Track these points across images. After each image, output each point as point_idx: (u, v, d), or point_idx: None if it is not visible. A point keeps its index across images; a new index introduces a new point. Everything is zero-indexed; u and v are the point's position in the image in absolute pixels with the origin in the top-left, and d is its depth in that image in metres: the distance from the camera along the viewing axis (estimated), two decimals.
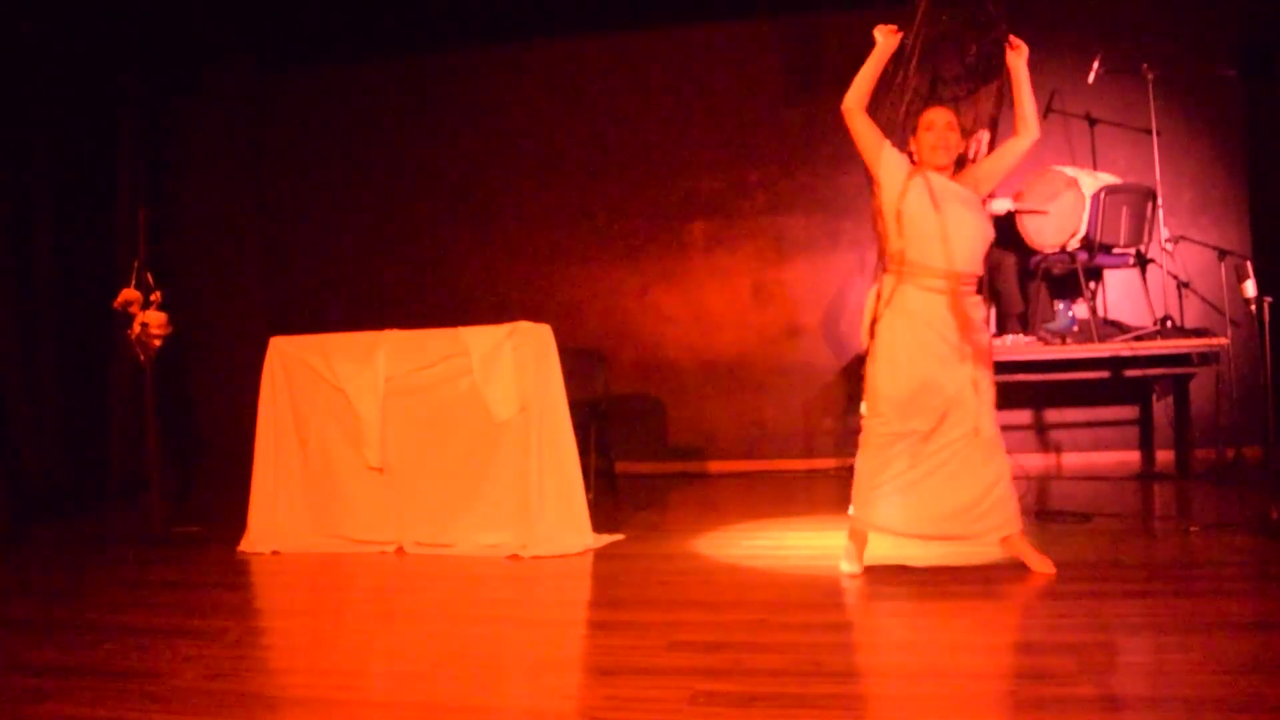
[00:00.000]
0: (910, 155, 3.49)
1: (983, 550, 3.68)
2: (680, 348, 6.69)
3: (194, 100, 6.97)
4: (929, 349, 3.36)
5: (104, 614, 3.38)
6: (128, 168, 6.38)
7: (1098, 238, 5.29)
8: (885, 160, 3.44)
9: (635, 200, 6.74)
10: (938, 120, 3.42)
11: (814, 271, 6.55)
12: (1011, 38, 3.40)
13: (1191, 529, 3.98)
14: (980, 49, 3.53)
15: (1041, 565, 3.38)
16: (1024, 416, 6.22)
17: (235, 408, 5.40)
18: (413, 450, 4.33)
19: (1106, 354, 5.24)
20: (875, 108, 3.44)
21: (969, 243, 3.38)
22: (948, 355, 3.36)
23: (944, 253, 3.34)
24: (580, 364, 5.25)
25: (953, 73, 3.52)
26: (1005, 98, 3.47)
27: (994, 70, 3.49)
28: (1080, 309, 5.50)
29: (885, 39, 3.46)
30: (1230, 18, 6.00)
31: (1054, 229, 5.42)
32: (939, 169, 3.42)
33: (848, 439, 6.45)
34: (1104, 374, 5.45)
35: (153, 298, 4.74)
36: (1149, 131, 5.49)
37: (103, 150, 6.26)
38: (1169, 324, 5.34)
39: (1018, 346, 5.30)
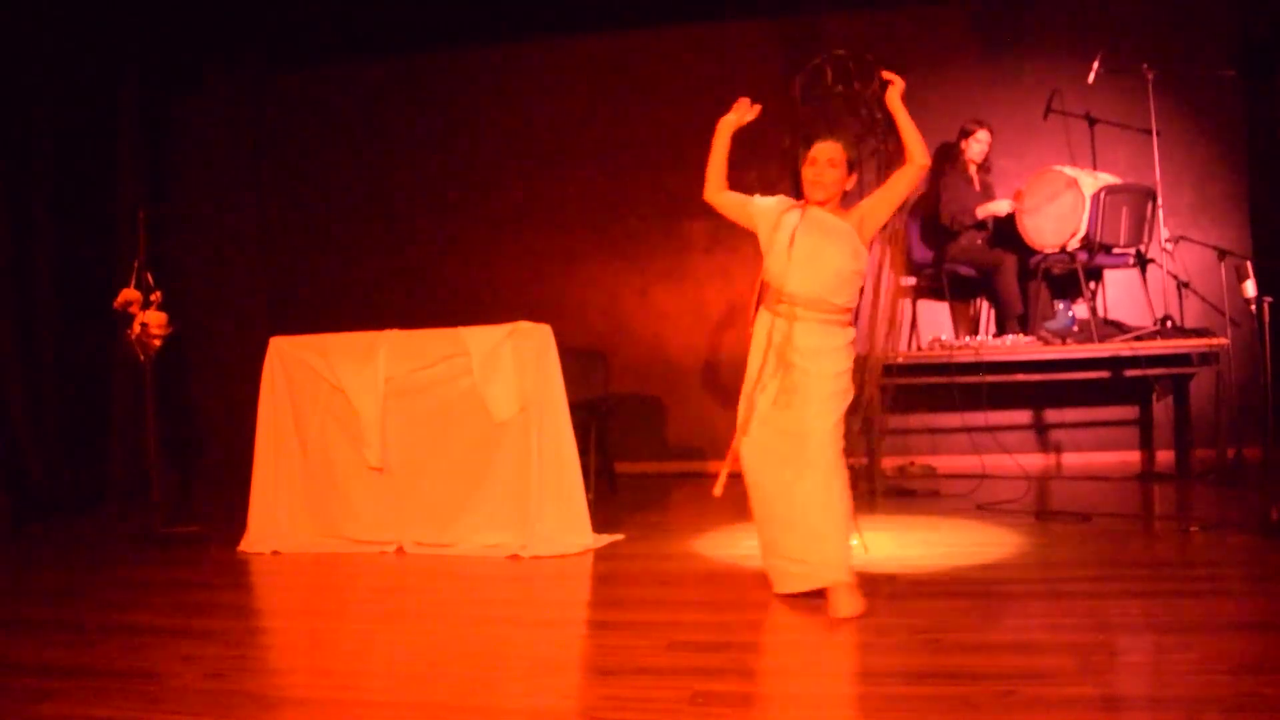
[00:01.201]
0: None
1: (984, 550, 3.68)
2: (680, 348, 6.69)
3: (194, 100, 6.97)
4: (756, 372, 3.43)
5: (104, 614, 3.37)
6: (128, 168, 6.38)
7: (1098, 238, 5.29)
8: (755, 214, 3.50)
9: (635, 200, 6.74)
10: (819, 156, 3.37)
11: None
12: (884, 73, 3.39)
13: (1191, 529, 3.98)
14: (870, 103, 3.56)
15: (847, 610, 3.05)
16: (1024, 416, 6.23)
17: (235, 408, 5.40)
18: (413, 450, 4.33)
19: (1106, 354, 5.24)
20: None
21: (818, 271, 3.29)
22: (769, 381, 3.38)
23: (785, 277, 3.32)
24: (580, 364, 5.25)
25: (855, 131, 3.53)
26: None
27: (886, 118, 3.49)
28: (1080, 309, 5.51)
29: (737, 114, 3.61)
30: (1230, 18, 6.00)
31: (1054, 229, 5.42)
32: (819, 204, 3.37)
33: (847, 439, 6.45)
34: (1104, 374, 5.45)
35: (153, 298, 4.74)
36: (1149, 131, 5.49)
37: (103, 150, 6.26)
38: (1169, 324, 5.34)
39: (1018, 346, 5.30)
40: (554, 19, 6.60)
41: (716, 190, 3.60)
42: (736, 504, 5.33)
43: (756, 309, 3.49)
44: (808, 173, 3.40)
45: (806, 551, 3.14)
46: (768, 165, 6.55)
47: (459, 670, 2.71)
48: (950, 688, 2.33)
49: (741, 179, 6.69)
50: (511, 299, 6.53)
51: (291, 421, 4.50)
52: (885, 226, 3.57)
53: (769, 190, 6.61)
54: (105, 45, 6.18)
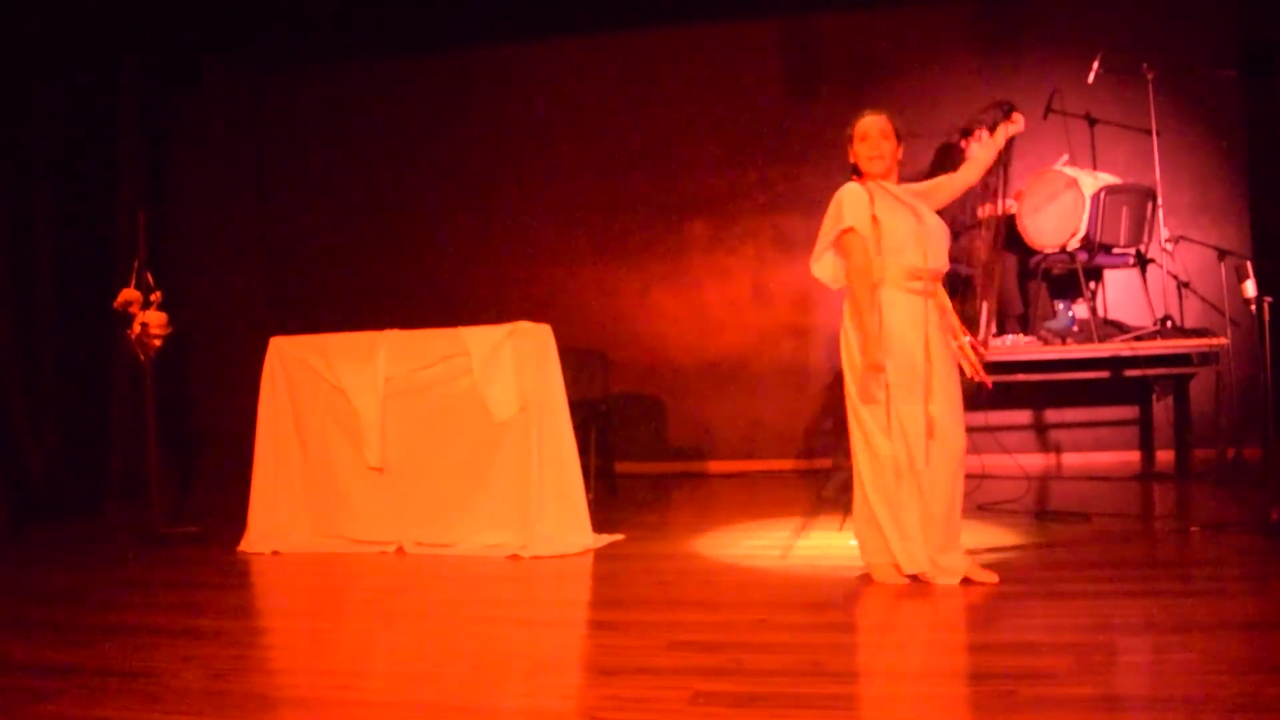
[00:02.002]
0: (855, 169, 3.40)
1: (984, 550, 3.68)
2: (680, 348, 6.69)
3: (194, 100, 6.97)
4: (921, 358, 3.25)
5: (104, 614, 3.37)
6: (128, 168, 6.38)
7: (1098, 238, 5.28)
8: (853, 221, 3.27)
9: (635, 200, 6.74)
10: (870, 130, 3.35)
11: None
12: (1015, 114, 3.46)
13: (1191, 529, 3.97)
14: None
15: (986, 576, 3.25)
16: (1024, 416, 6.22)
17: (235, 408, 5.40)
18: (413, 450, 4.33)
19: (1106, 354, 5.23)
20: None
21: (940, 240, 3.36)
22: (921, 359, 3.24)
23: (925, 251, 3.28)
24: (580, 364, 5.26)
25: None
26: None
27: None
28: (1080, 309, 5.50)
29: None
30: (1230, 18, 5.99)
31: (1054, 229, 5.41)
32: (879, 177, 3.34)
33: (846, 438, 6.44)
34: (1104, 374, 5.45)
35: (153, 298, 4.74)
36: (1149, 131, 5.48)
37: (103, 150, 6.26)
38: (1169, 324, 5.33)
39: (1018, 346, 5.30)
40: (554, 19, 6.60)
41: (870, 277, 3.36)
42: (737, 504, 5.35)
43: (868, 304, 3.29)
44: (862, 149, 3.35)
45: (952, 541, 3.26)
46: (769, 166, 6.56)
47: (459, 670, 2.71)
48: (950, 688, 2.33)
49: (743, 178, 6.76)
50: (511, 299, 6.53)
51: (291, 421, 4.50)
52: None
53: (770, 190, 6.65)
54: (105, 46, 6.18)
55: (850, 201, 3.29)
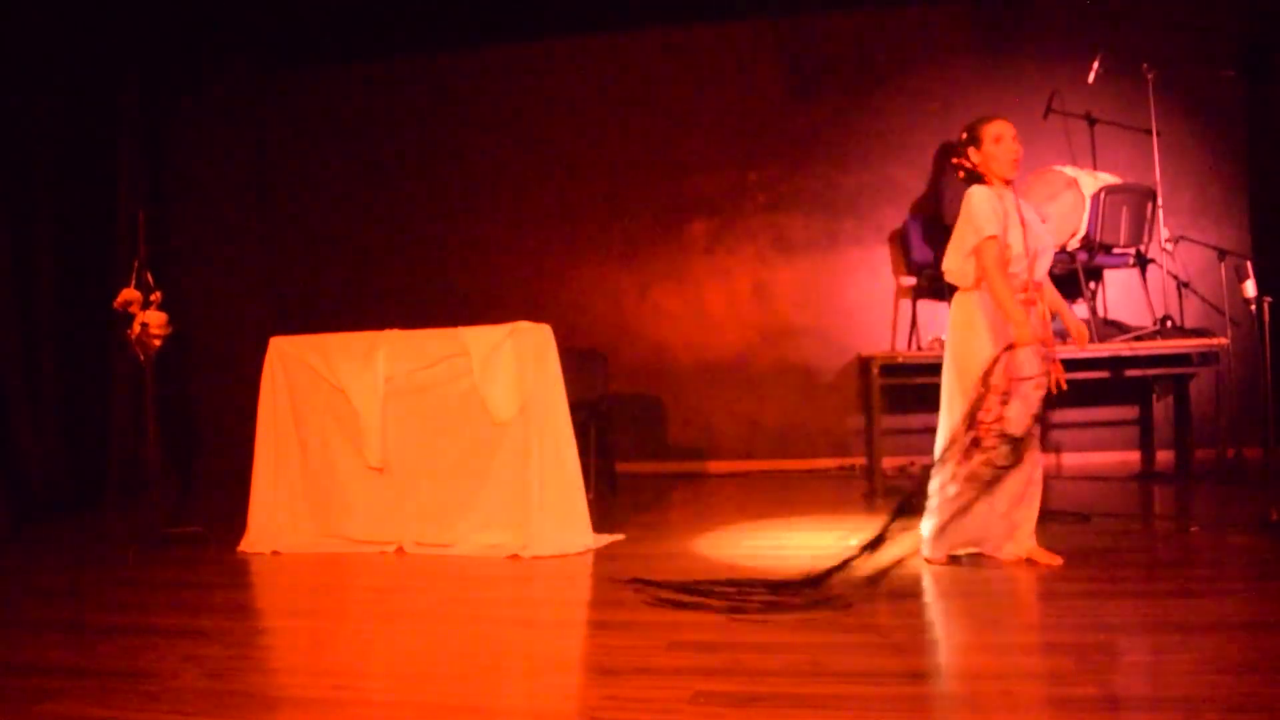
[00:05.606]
0: (963, 169, 3.51)
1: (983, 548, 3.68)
2: (680, 348, 6.69)
3: (194, 100, 6.98)
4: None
5: (104, 614, 3.37)
6: (128, 168, 6.38)
7: (1098, 238, 5.28)
8: (994, 231, 3.38)
9: (635, 200, 6.74)
10: (1005, 133, 3.42)
11: (814, 271, 6.55)
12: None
13: (1191, 529, 3.97)
14: None
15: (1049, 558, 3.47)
16: None
17: (235, 408, 5.40)
18: (413, 450, 4.33)
19: (1106, 354, 5.24)
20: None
21: (1046, 255, 3.54)
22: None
23: (1034, 264, 3.47)
24: (580, 364, 5.26)
25: None
26: None
27: None
28: (1080, 309, 5.50)
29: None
30: (1230, 18, 6.00)
31: (1054, 229, 5.41)
32: (1007, 183, 3.46)
33: (848, 439, 6.45)
34: (1104, 374, 5.45)
35: (153, 298, 4.73)
36: (1149, 131, 5.49)
37: (103, 150, 6.26)
38: (1169, 324, 5.33)
39: None
40: (554, 20, 6.60)
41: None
42: (736, 504, 5.34)
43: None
44: (1004, 150, 3.40)
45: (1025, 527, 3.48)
46: (767, 166, 6.56)
47: (459, 670, 2.71)
48: (950, 687, 2.33)
49: (743, 179, 6.77)
50: (511, 299, 6.53)
51: (291, 421, 4.50)
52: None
53: (770, 190, 6.65)
54: (106, 46, 6.18)
55: (986, 209, 3.37)
